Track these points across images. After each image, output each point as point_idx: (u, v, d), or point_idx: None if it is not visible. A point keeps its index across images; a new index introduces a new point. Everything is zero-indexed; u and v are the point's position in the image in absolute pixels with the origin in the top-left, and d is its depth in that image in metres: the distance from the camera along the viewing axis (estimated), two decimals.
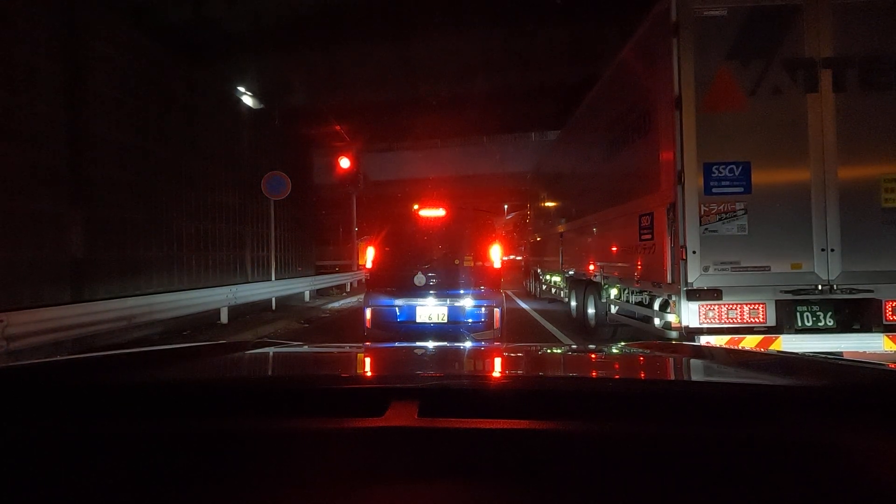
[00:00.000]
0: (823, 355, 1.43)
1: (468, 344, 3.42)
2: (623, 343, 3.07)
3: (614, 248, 5.54)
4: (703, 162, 3.72)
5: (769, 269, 3.68)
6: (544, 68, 10.00)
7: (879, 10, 3.68)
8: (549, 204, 10.17)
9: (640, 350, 1.54)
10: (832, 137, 3.66)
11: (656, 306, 4.51)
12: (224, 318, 8.48)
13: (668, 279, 3.98)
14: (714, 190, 3.71)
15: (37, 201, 5.86)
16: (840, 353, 3.62)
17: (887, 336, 3.62)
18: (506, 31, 8.71)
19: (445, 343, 1.94)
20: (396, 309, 4.86)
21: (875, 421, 0.71)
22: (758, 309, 3.69)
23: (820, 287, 3.65)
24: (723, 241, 3.70)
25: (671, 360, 1.37)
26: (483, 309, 4.81)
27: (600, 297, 6.30)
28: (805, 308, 3.75)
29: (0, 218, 5.44)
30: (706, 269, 3.71)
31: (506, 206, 24.30)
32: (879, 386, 0.86)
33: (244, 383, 1.00)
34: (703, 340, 3.69)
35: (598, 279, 6.23)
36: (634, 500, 0.57)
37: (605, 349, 1.74)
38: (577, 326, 7.38)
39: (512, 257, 17.14)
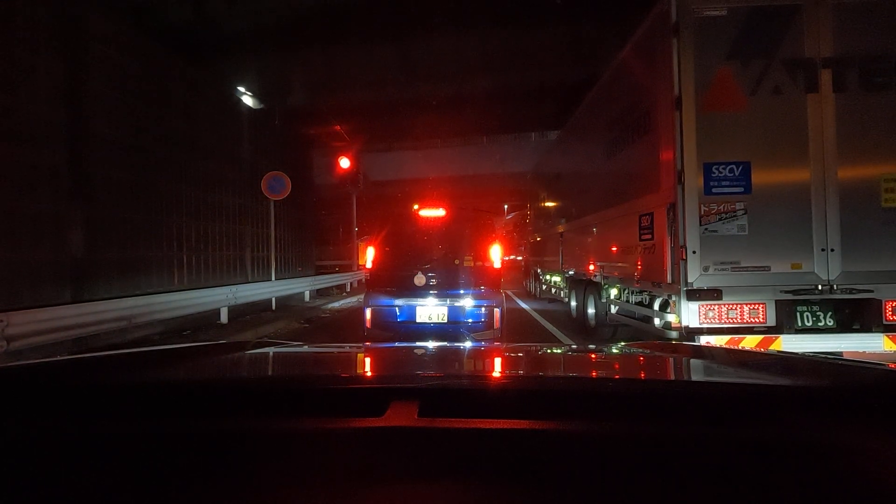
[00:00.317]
0: (823, 355, 1.43)
1: (468, 344, 3.42)
2: (623, 343, 3.07)
3: (614, 248, 5.54)
4: (703, 162, 3.72)
5: (769, 269, 3.68)
6: (544, 68, 10.00)
7: (879, 10, 3.68)
8: (549, 204, 10.17)
9: (640, 350, 1.54)
10: (832, 137, 3.66)
11: (656, 306, 4.51)
12: (224, 318, 8.48)
13: (668, 279, 3.98)
14: (714, 190, 3.71)
15: (37, 201, 5.86)
16: (840, 353, 3.62)
17: (887, 336, 3.62)
18: (506, 31, 8.71)
19: (445, 343, 1.94)
20: (396, 309, 4.86)
21: (875, 421, 0.71)
22: (758, 309, 3.69)
23: (820, 287, 3.65)
24: (723, 241, 3.70)
25: (671, 360, 1.37)
26: (483, 309, 4.81)
27: (600, 297, 6.30)
28: (805, 308, 3.75)
29: (0, 218, 5.44)
30: (706, 269, 3.71)
31: (506, 206, 24.29)
32: (879, 386, 0.86)
33: (244, 383, 1.00)
34: (703, 340, 3.69)
35: (598, 279, 6.23)
36: (634, 500, 0.57)
37: (605, 349, 1.74)
38: (577, 326, 7.38)
39: (512, 257, 17.14)
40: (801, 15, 3.70)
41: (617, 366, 1.36)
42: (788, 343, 3.67)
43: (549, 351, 1.92)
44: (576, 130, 7.83)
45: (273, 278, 11.15)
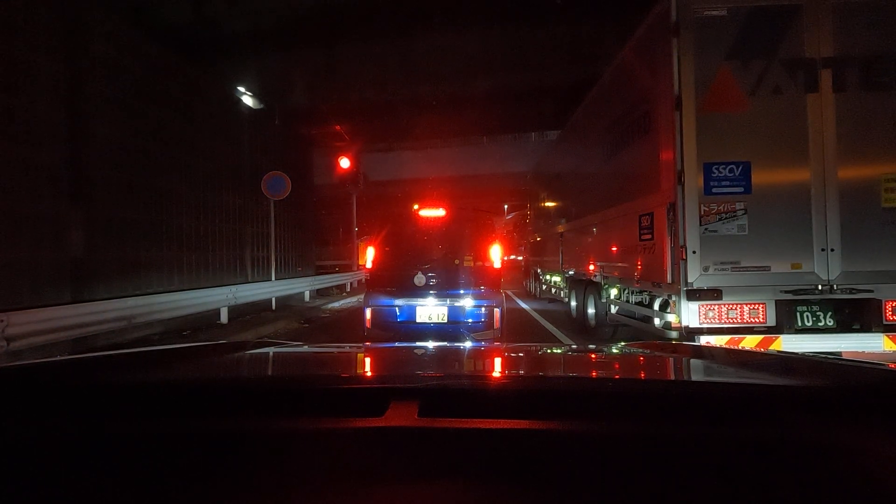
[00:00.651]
0: (823, 355, 1.43)
1: (468, 344, 3.41)
2: (623, 343, 3.07)
3: (614, 248, 5.54)
4: (703, 162, 3.72)
5: (769, 269, 3.68)
6: (544, 68, 9.99)
7: (880, 10, 3.68)
8: (549, 204, 10.17)
9: (640, 350, 1.54)
10: (832, 137, 3.66)
11: (656, 306, 4.51)
12: (224, 318, 8.48)
13: (668, 279, 3.98)
14: (714, 190, 3.71)
15: (37, 201, 5.86)
16: (840, 353, 3.62)
17: (887, 336, 3.61)
18: (506, 30, 8.71)
19: (445, 343, 1.94)
20: (396, 309, 4.86)
21: (875, 421, 0.71)
22: (758, 309, 3.69)
23: (820, 287, 3.65)
24: (723, 241, 3.70)
25: (671, 360, 1.36)
26: (483, 309, 4.81)
27: (600, 297, 6.30)
28: (805, 308, 3.75)
29: (0, 218, 5.44)
30: (706, 269, 3.71)
31: (506, 206, 24.30)
32: (879, 386, 0.85)
33: (244, 383, 1.00)
34: (703, 340, 3.69)
35: (598, 279, 6.23)
36: (634, 500, 0.57)
37: (605, 349, 1.74)
38: (577, 326, 7.38)
39: (512, 257, 17.13)
40: (802, 15, 3.70)
41: (617, 366, 1.36)
42: (788, 343, 3.67)
43: (548, 351, 1.92)
44: (576, 130, 7.83)
45: (273, 278, 11.16)
